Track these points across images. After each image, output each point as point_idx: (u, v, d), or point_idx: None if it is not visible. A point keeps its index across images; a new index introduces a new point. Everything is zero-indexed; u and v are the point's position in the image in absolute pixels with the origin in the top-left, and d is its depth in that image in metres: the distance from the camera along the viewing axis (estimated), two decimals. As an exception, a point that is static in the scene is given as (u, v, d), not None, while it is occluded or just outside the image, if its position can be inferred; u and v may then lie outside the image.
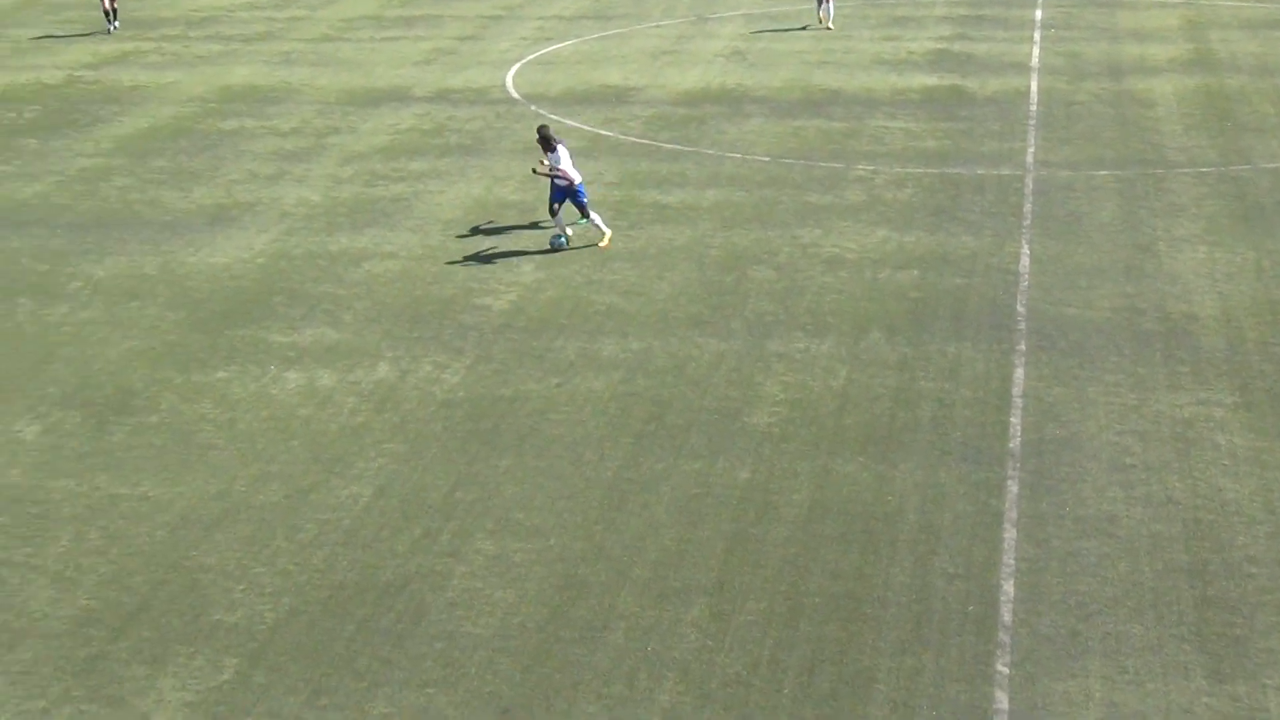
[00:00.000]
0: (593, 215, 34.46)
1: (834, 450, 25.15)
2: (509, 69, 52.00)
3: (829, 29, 56.38)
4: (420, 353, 29.40)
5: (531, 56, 53.87)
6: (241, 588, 21.81)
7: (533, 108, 46.79)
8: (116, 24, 56.59)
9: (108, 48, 55.89)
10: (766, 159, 40.94)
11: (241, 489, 24.51)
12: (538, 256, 34.18)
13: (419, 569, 22.14)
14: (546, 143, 33.79)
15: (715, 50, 54.34)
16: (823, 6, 56.56)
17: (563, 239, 34.43)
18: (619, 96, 48.01)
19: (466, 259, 34.19)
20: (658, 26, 58.69)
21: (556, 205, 34.23)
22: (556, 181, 33.97)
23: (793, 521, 23.05)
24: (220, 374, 28.73)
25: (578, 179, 33.95)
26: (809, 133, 43.41)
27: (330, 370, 28.74)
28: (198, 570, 22.27)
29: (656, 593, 21.34)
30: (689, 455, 25.12)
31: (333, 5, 62.95)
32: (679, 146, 42.31)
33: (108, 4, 56.67)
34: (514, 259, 34.11)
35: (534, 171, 34.35)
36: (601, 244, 34.53)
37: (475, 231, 35.92)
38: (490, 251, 34.61)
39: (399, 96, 48.58)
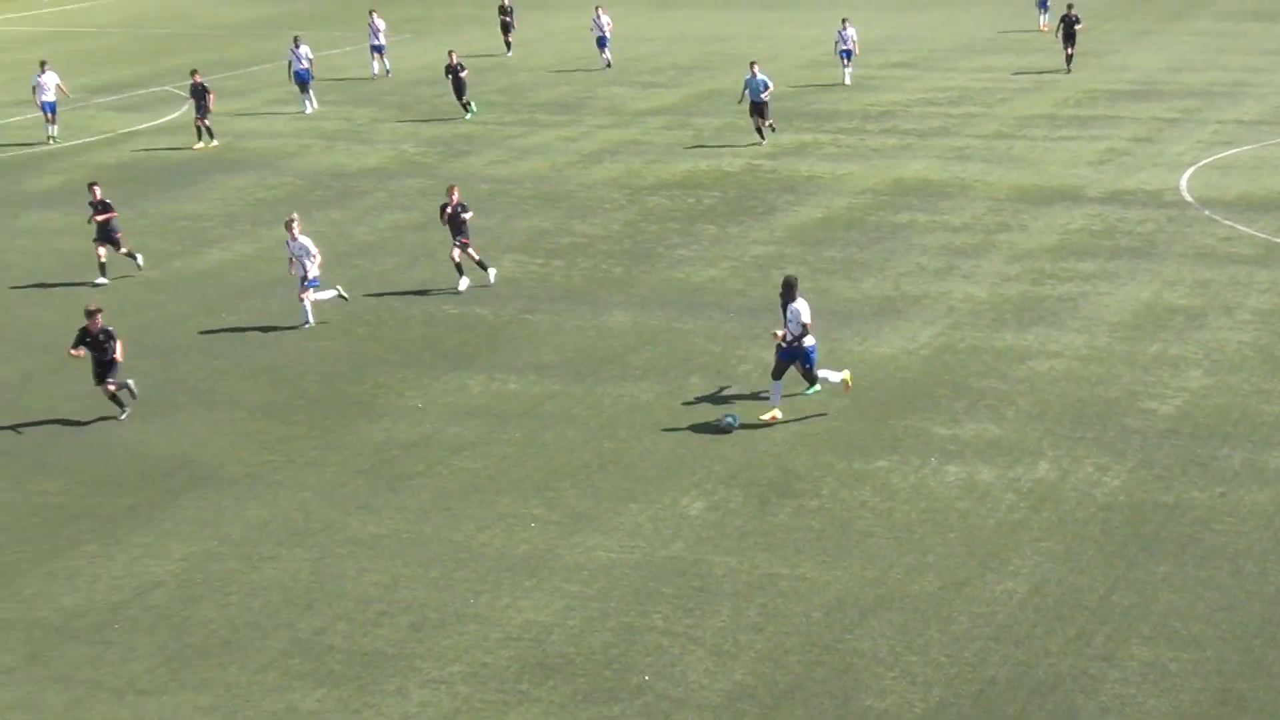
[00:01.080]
0: (822, 374, 31.57)
1: None
2: (1183, 172, 51.05)
3: None
4: (1081, 453, 29.13)
5: (1207, 160, 52.75)
6: (893, 675, 22.03)
7: (1206, 212, 45.82)
8: (765, 141, 57.23)
9: (787, 139, 57.41)
10: None
11: (897, 577, 24.77)
12: (1205, 362, 33.43)
13: (1071, 670, 21.93)
14: (789, 291, 31.35)
15: (1404, 157, 52.13)
16: None
17: (732, 419, 31.13)
18: (1299, 203, 46.58)
19: (1132, 362, 33.73)
20: (1342, 131, 56.70)
21: (805, 367, 31.40)
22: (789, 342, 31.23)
23: None
24: (881, 463, 29.13)
25: (810, 341, 31.22)
26: None
27: (990, 466, 28.77)
28: (851, 654, 22.61)
29: (1321, 716, 20.58)
30: (1360, 576, 24.15)
31: (1008, 103, 63.12)
32: (1360, 256, 40.77)
33: (760, 122, 57.27)
34: (1181, 364, 33.45)
35: (775, 335, 31.87)
36: (843, 386, 31.97)
37: (1142, 334, 35.40)
38: (1157, 355, 34.04)
39: (1071, 196, 48.31)
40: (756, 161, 53.99)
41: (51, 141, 60.27)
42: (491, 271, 40.98)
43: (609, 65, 73.49)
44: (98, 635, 24.01)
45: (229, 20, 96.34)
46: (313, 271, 37.88)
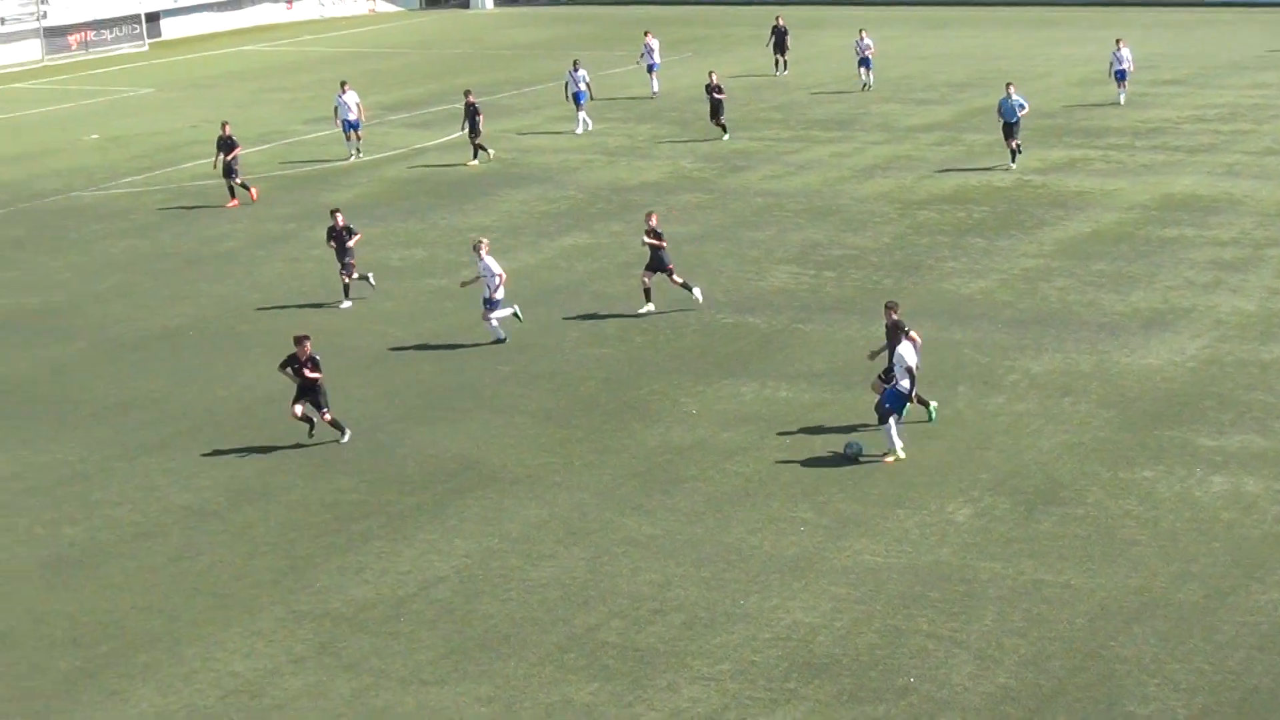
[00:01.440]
0: (890, 427, 30.39)
1: None
2: None
3: None
4: (1350, 466, 29.11)
5: None
6: (1156, 682, 22.30)
7: None
8: (1013, 164, 56.21)
9: (1056, 154, 57.25)
10: None
11: (1161, 585, 24.99)
12: None
13: (1334, 679, 22.07)
14: (895, 332, 30.85)
15: None
16: None
17: (857, 446, 30.72)
18: None
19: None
20: None
21: (885, 406, 30.54)
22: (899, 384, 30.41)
23: None
24: (1146, 472, 29.32)
25: (905, 385, 30.28)
26: None
27: (1256, 477, 28.81)
28: (1114, 660, 22.91)
29: None
30: None
31: (1278, 120, 62.26)
32: None
33: (1011, 143, 56.27)
34: None
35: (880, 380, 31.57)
36: (888, 459, 30.37)
37: None
38: None
39: (1343, 211, 47.78)
40: (1026, 177, 53.94)
41: (358, 157, 62.03)
42: (650, 306, 40.59)
43: (868, 86, 73.23)
44: (385, 627, 25.09)
45: (517, 41, 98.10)
46: (498, 294, 38.13)
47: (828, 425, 32.37)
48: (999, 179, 53.90)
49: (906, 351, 30.43)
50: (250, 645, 24.76)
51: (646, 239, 40.03)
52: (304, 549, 28.06)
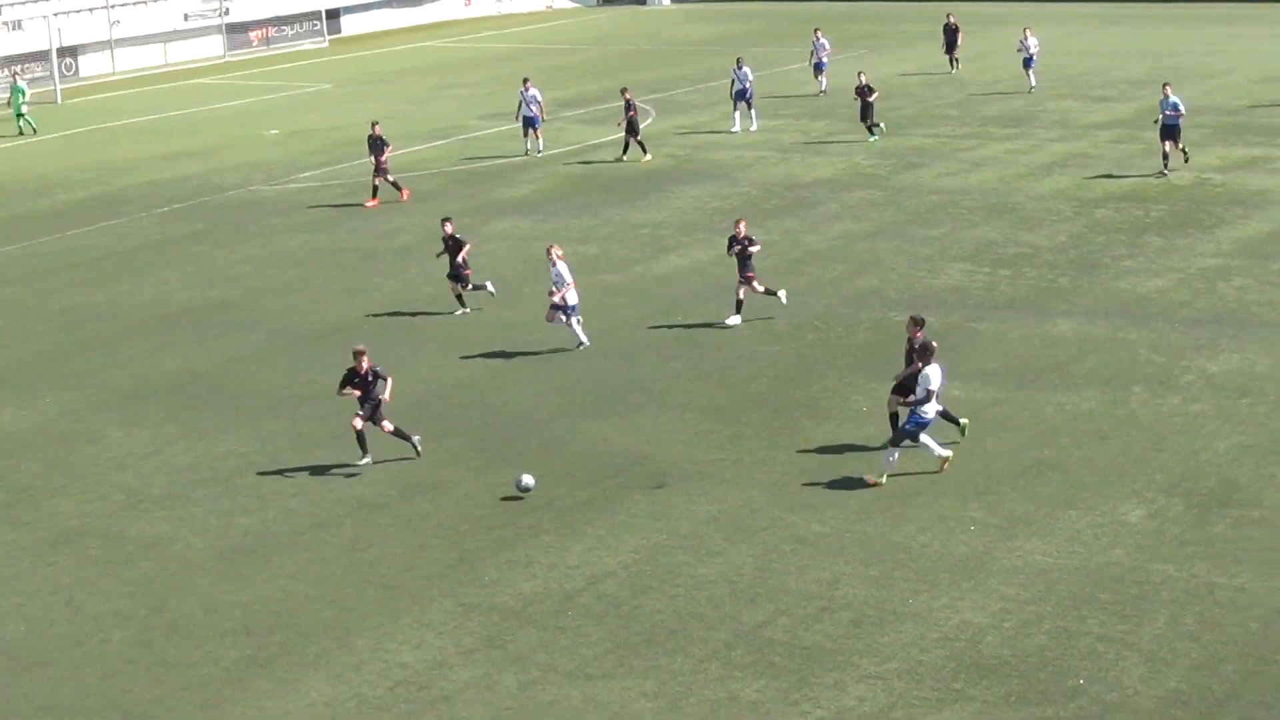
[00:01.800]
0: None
1: None
2: None
3: None
4: None
5: None
6: (1332, 688, 21.99)
7: None
8: (1179, 164, 54.72)
9: (1237, 152, 56.44)
10: None
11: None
12: None
13: None
14: (925, 354, 29.51)
15: None
16: None
17: (524, 483, 29.87)
18: None
19: None
20: None
21: (904, 427, 29.76)
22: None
23: None
24: (1329, 478, 28.89)
25: (930, 412, 29.45)
26: None
27: None
28: (1290, 666, 22.61)
29: None
30: None
31: None
32: None
33: (1171, 145, 54.80)
34: None
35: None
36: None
37: None
38: None
39: None
40: (1206, 175, 53.22)
41: (536, 154, 62.35)
42: (782, 293, 40.15)
43: (1033, 88, 72.33)
44: (552, 621, 25.23)
45: (693, 37, 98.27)
46: (572, 299, 37.89)
47: (1000, 424, 32.10)
48: (1178, 177, 53.19)
49: (933, 374, 29.45)
50: (419, 637, 25.01)
51: (750, 249, 39.19)
52: (473, 542, 28.27)
